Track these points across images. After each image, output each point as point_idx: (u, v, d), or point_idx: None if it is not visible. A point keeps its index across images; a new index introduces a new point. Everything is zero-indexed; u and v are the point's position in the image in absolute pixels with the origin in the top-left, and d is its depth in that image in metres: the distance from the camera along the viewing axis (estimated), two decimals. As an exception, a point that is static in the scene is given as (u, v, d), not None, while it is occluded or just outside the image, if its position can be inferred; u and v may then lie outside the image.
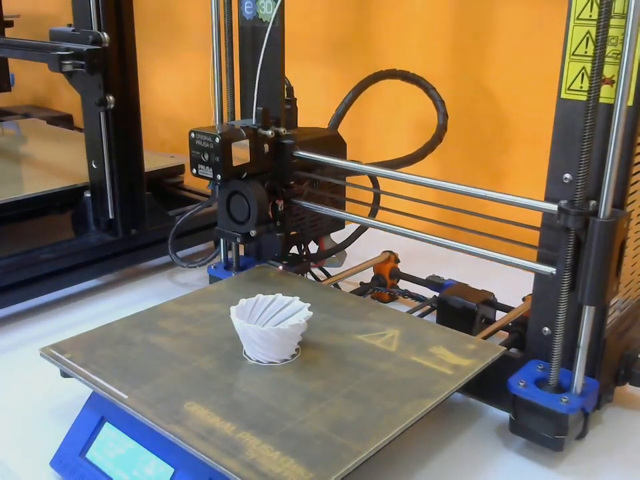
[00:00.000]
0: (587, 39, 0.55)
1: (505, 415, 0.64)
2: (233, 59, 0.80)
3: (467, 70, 1.12)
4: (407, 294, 0.86)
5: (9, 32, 1.52)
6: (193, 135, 0.73)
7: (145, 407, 0.54)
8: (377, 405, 0.55)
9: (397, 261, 0.92)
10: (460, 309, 0.75)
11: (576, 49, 0.56)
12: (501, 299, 0.79)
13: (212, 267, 0.86)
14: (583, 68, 0.56)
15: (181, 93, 1.65)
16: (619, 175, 0.53)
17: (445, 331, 0.67)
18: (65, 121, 1.80)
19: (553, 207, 0.57)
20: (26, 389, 0.71)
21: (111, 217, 0.96)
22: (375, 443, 0.50)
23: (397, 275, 0.91)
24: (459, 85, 1.12)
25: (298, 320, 0.61)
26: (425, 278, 0.87)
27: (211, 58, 0.79)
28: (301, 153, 0.76)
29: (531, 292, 0.64)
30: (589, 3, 0.54)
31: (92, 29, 0.87)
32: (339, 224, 0.88)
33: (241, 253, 0.87)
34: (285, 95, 0.80)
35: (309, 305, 0.63)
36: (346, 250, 0.89)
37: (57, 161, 1.20)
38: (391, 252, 0.92)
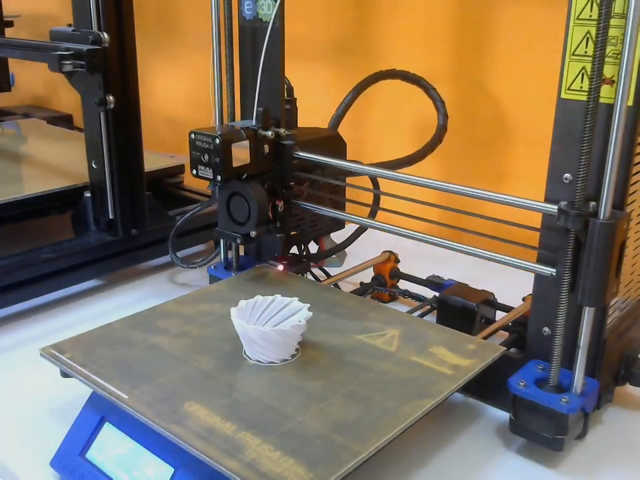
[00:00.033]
0: (587, 39, 0.55)
1: (504, 415, 0.64)
2: (232, 59, 0.80)
3: (467, 70, 1.12)
4: (407, 294, 0.86)
5: (9, 32, 1.52)
6: (193, 135, 0.73)
7: (145, 407, 0.54)
8: (377, 405, 0.55)
9: (397, 260, 0.92)
10: (460, 309, 0.75)
11: (576, 49, 0.56)
12: (500, 299, 0.79)
13: (212, 266, 0.86)
14: (583, 68, 0.56)
15: (181, 92, 1.65)
16: (618, 175, 0.53)
17: (445, 331, 0.67)
18: (64, 121, 1.80)
19: (553, 208, 0.57)
20: (26, 389, 0.71)
21: (111, 216, 0.96)
22: (375, 443, 0.50)
23: (397, 275, 0.91)
24: (459, 86, 1.12)
25: (298, 320, 0.62)
26: (425, 278, 0.87)
27: (211, 58, 0.79)
28: (300, 153, 0.76)
29: (531, 292, 0.64)
30: (589, 3, 0.54)
31: (92, 28, 0.87)
32: (339, 224, 0.88)
33: (241, 252, 0.87)
34: (285, 95, 0.80)
35: (308, 305, 0.63)
36: (346, 250, 0.89)
37: (57, 161, 1.20)
38: (391, 252, 0.92)
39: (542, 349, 0.62)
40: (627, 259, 0.58)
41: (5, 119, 1.71)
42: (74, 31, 0.89)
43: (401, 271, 0.91)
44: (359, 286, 0.89)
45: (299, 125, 0.84)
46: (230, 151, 0.71)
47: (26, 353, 0.74)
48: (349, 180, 0.84)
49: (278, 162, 0.76)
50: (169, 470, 0.53)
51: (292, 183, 0.78)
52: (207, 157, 0.72)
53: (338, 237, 0.89)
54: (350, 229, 0.88)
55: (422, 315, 0.80)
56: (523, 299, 0.78)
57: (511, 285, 0.73)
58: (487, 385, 0.65)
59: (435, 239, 0.67)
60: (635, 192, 0.59)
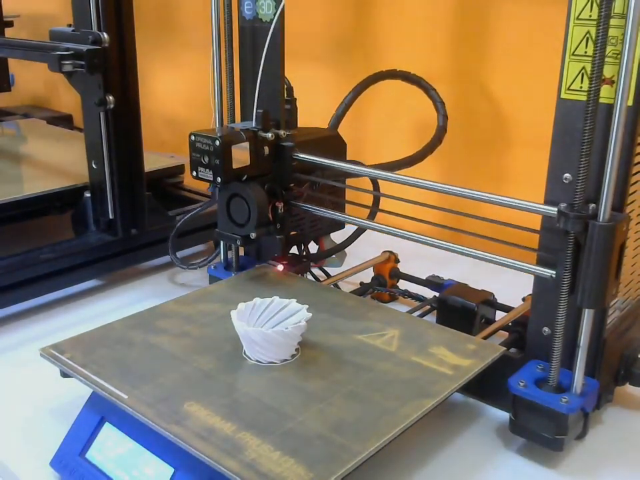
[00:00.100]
0: (587, 39, 0.55)
1: (504, 415, 0.64)
2: (232, 60, 0.80)
3: (467, 71, 1.12)
4: (407, 294, 0.86)
5: (9, 32, 1.51)
6: (193, 137, 0.73)
7: (145, 407, 0.54)
8: (377, 405, 0.55)
9: (397, 261, 0.92)
10: (460, 309, 0.75)
11: (576, 48, 0.56)
12: (500, 299, 0.79)
13: (212, 267, 0.86)
14: (583, 68, 0.56)
15: (180, 92, 1.65)
16: (618, 176, 0.53)
17: (445, 330, 0.67)
18: (64, 121, 1.80)
19: (553, 210, 0.57)
20: (26, 389, 0.71)
21: (110, 217, 0.96)
22: (374, 443, 0.50)
23: (397, 275, 0.91)
24: (459, 86, 1.12)
25: (298, 320, 0.62)
26: (424, 278, 0.87)
27: (211, 59, 0.79)
28: (300, 155, 0.76)
29: (530, 292, 0.64)
30: (589, 3, 0.54)
31: (92, 29, 0.87)
32: (339, 224, 0.88)
33: (241, 253, 0.87)
34: (285, 95, 0.80)
35: (306, 306, 0.63)
36: (346, 250, 0.89)
37: (57, 161, 1.20)
38: (390, 252, 0.92)
39: (542, 349, 0.62)
40: (626, 259, 0.58)
41: (5, 119, 1.71)
42: (74, 31, 0.89)
43: (400, 271, 0.91)
44: (359, 286, 0.89)
45: (299, 125, 0.84)
46: (230, 153, 0.71)
47: (26, 353, 0.74)
48: (348, 181, 0.84)
49: (278, 163, 0.76)
50: (169, 470, 0.53)
51: (292, 185, 0.78)
52: (206, 159, 0.72)
53: (338, 237, 0.89)
54: (350, 229, 0.88)
55: (422, 315, 0.80)
56: (523, 299, 0.78)
57: (511, 285, 0.73)
58: (487, 385, 0.65)
59: (435, 240, 0.67)
60: (634, 192, 0.59)
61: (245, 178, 0.74)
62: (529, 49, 1.03)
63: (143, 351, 0.62)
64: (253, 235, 0.75)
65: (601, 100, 0.54)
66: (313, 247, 0.87)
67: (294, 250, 0.85)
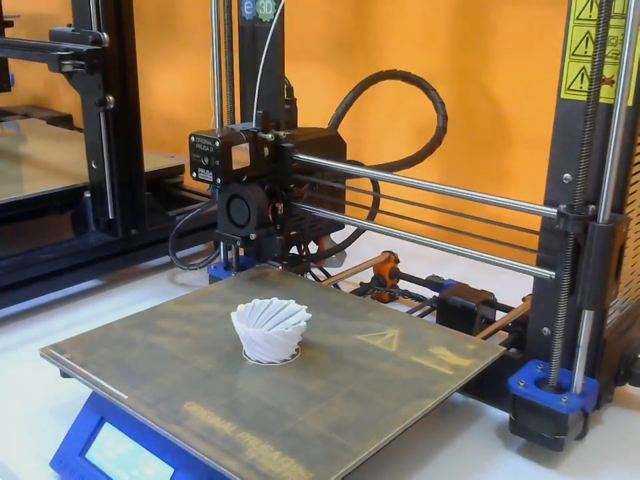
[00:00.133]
0: (587, 39, 0.55)
1: (504, 415, 0.64)
2: (232, 61, 0.80)
3: (468, 71, 1.12)
4: (406, 294, 0.86)
5: (8, 32, 1.51)
6: (193, 138, 0.73)
7: (145, 407, 0.54)
8: (377, 405, 0.55)
9: (397, 261, 0.92)
10: (460, 309, 0.75)
11: (576, 49, 0.56)
12: (500, 299, 0.79)
13: (212, 267, 0.86)
14: (583, 68, 0.56)
15: (180, 92, 1.65)
16: (618, 177, 0.53)
17: (445, 330, 0.67)
18: (64, 121, 1.80)
19: (552, 212, 0.57)
20: (26, 389, 0.71)
21: (110, 217, 0.96)
22: (374, 443, 0.50)
23: (397, 275, 0.91)
24: (459, 87, 1.12)
25: (297, 320, 0.62)
26: (424, 278, 0.87)
27: (211, 59, 0.79)
28: (300, 156, 0.76)
29: (530, 292, 0.64)
30: (589, 3, 0.54)
31: (92, 29, 0.87)
32: (339, 224, 0.88)
33: (241, 253, 0.87)
34: (285, 95, 0.80)
35: (306, 307, 0.63)
36: (346, 250, 0.89)
37: (57, 161, 1.20)
38: (390, 252, 0.92)
39: (542, 349, 0.62)
40: (626, 259, 0.58)
41: (5, 119, 1.71)
42: (74, 31, 0.89)
43: (400, 271, 0.91)
44: (358, 286, 0.89)
45: (298, 125, 0.84)
46: (230, 154, 0.71)
47: (26, 353, 0.74)
48: (348, 182, 0.84)
49: (278, 164, 0.76)
50: (169, 470, 0.53)
51: (292, 186, 0.78)
52: (206, 160, 0.72)
53: (338, 237, 0.89)
54: (350, 229, 0.88)
55: (422, 315, 0.80)
56: (523, 299, 0.78)
57: (511, 284, 0.73)
58: (487, 385, 0.65)
59: (434, 241, 0.67)
60: (635, 192, 0.59)
61: (244, 179, 0.74)
62: (529, 49, 1.03)
63: (143, 351, 0.62)
64: (252, 236, 0.75)
65: (601, 100, 0.54)
66: (313, 247, 0.87)
67: (294, 250, 0.85)
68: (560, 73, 0.57)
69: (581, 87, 0.56)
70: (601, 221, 0.54)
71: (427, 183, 0.67)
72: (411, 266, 0.91)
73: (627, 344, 0.67)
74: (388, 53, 1.20)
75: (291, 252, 0.84)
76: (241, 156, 0.73)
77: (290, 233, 0.81)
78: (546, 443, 0.59)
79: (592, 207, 0.55)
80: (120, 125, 0.92)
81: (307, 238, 0.85)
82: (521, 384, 0.60)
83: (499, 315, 0.77)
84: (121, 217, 0.95)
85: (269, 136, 0.74)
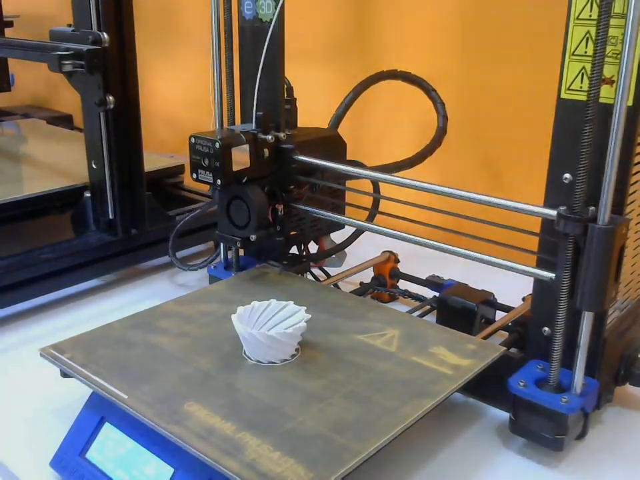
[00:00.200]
0: (587, 39, 0.55)
1: (504, 415, 0.64)
2: (232, 61, 0.80)
3: (468, 72, 1.12)
4: (407, 294, 0.86)
5: (8, 32, 1.52)
6: (193, 140, 0.73)
7: (145, 407, 0.54)
8: (377, 405, 0.55)
9: (397, 261, 0.92)
10: (460, 309, 0.75)
11: (576, 48, 0.56)
12: (500, 299, 0.79)
13: (212, 266, 0.86)
14: (583, 68, 0.56)
15: (180, 93, 1.65)
16: (618, 177, 0.53)
17: (445, 331, 0.67)
18: (64, 121, 1.80)
19: (552, 213, 0.57)
20: (26, 389, 0.71)
21: (110, 217, 0.96)
22: (374, 443, 0.50)
23: (397, 275, 0.91)
24: (459, 87, 1.11)
25: (297, 321, 0.62)
26: (424, 278, 0.87)
27: (211, 60, 0.79)
28: (300, 157, 0.76)
29: (530, 292, 0.64)
30: (589, 3, 0.54)
31: (92, 29, 0.87)
32: (339, 224, 0.88)
33: (241, 252, 0.87)
34: (285, 95, 0.80)
35: (305, 307, 0.63)
36: (346, 250, 0.89)
37: (57, 161, 1.20)
38: (390, 252, 0.92)
39: (542, 349, 0.62)
40: (626, 259, 0.58)
41: (5, 119, 1.71)
42: (74, 31, 0.89)
43: (400, 271, 0.91)
44: (358, 286, 0.89)
45: (298, 125, 0.84)
46: (230, 155, 0.71)
47: (26, 353, 0.74)
48: (348, 183, 0.83)
49: (278, 166, 0.76)
50: (169, 470, 0.53)
51: (292, 187, 0.78)
52: (206, 161, 0.72)
53: (338, 237, 0.89)
54: (350, 228, 0.88)
55: (422, 315, 0.80)
56: (523, 299, 0.78)
57: (511, 284, 0.73)
58: (487, 385, 0.65)
59: (434, 242, 0.67)
60: (635, 192, 0.59)
61: (244, 180, 0.74)
62: (529, 49, 1.03)
63: (143, 351, 0.62)
64: (252, 237, 0.75)
65: (601, 100, 0.54)
66: (313, 247, 0.87)
67: (294, 250, 0.85)
68: (560, 73, 0.57)
69: (581, 87, 0.56)
70: (600, 222, 0.54)
71: (427, 184, 0.67)
72: (411, 266, 0.91)
73: (627, 344, 0.67)
74: (388, 53, 1.20)
75: (291, 252, 0.84)
76: (240, 157, 0.73)
77: (290, 233, 0.81)
78: (546, 443, 0.59)
79: (592, 208, 0.55)
80: (120, 124, 0.92)
81: (306, 238, 0.85)
82: (521, 384, 0.60)
83: (499, 315, 0.77)
84: (121, 217, 0.95)
85: (269, 137, 0.74)
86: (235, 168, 0.72)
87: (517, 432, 0.61)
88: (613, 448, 0.63)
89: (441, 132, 0.87)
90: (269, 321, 0.64)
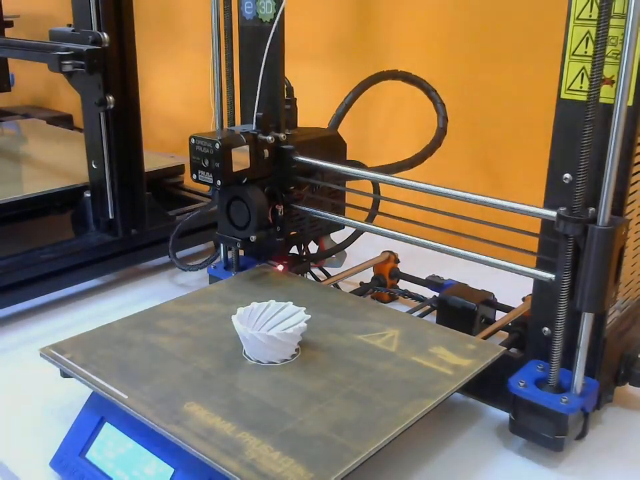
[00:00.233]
0: (587, 39, 0.55)
1: (504, 415, 0.64)
2: (232, 62, 0.80)
3: (469, 72, 1.12)
4: (407, 294, 0.86)
5: (8, 32, 1.51)
6: (193, 140, 0.73)
7: (145, 407, 0.54)
8: (377, 405, 0.55)
9: (397, 261, 0.92)
10: (460, 309, 0.75)
11: (576, 49, 0.56)
12: (500, 299, 0.79)
13: (212, 266, 0.86)
14: (583, 68, 0.56)
15: (180, 92, 1.65)
16: (618, 178, 0.53)
17: (445, 331, 0.67)
18: (64, 121, 1.80)
19: (552, 214, 0.57)
20: (26, 389, 0.71)
21: (110, 217, 0.96)
22: (375, 443, 0.50)
23: (397, 275, 0.91)
24: (460, 88, 1.11)
25: (297, 321, 0.62)
26: (424, 278, 0.87)
27: (211, 60, 0.78)
28: (300, 158, 0.76)
29: (530, 292, 0.64)
30: (589, 3, 0.54)
31: (92, 29, 0.87)
32: (339, 224, 0.88)
33: (241, 252, 0.87)
34: (285, 95, 0.80)
35: (304, 308, 0.63)
36: (346, 250, 0.89)
37: (56, 161, 1.20)
38: (390, 252, 0.92)
39: (542, 349, 0.62)
40: (626, 259, 0.58)
41: (5, 119, 1.71)
42: (74, 31, 0.89)
43: (400, 271, 0.91)
44: (358, 286, 0.89)
45: (299, 125, 0.84)
46: (230, 156, 0.71)
47: (26, 353, 0.74)
48: (349, 183, 0.83)
49: (278, 166, 0.76)
50: (169, 470, 0.53)
51: (292, 187, 0.78)
52: (207, 162, 0.72)
53: (338, 237, 0.89)
54: (350, 228, 0.88)
55: (422, 315, 0.80)
56: (523, 299, 0.78)
57: (511, 284, 0.73)
58: (487, 385, 0.65)
59: (434, 243, 0.67)
60: (635, 192, 0.59)
61: (244, 181, 0.74)
62: (529, 49, 1.03)
63: (143, 351, 0.62)
64: (252, 238, 0.75)
65: (601, 100, 0.54)
66: (313, 247, 0.87)
67: (294, 250, 0.85)
68: (560, 73, 0.57)
69: (581, 87, 0.56)
70: (600, 223, 0.54)
71: (427, 185, 0.67)
72: (411, 266, 0.91)
73: (627, 344, 0.67)
74: (389, 53, 1.20)
75: (291, 252, 0.84)
76: (240, 158, 0.73)
77: (290, 233, 0.81)
78: (546, 443, 0.59)
79: (592, 209, 0.55)
80: (120, 125, 0.92)
81: (306, 238, 0.85)
82: (521, 384, 0.60)
83: (499, 315, 0.77)
84: (121, 217, 0.95)
85: (269, 138, 0.74)
86: (235, 169, 0.72)
87: (517, 432, 0.61)
88: (612, 448, 0.63)
89: (441, 132, 0.87)
90: (269, 322, 0.64)
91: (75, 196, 1.00)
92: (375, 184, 0.85)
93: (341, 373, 0.59)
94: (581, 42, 0.55)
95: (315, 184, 0.79)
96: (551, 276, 0.59)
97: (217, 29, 0.77)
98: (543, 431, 0.59)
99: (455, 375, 0.59)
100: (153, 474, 0.53)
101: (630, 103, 0.53)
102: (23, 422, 0.66)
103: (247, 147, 0.73)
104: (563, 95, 0.57)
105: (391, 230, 0.71)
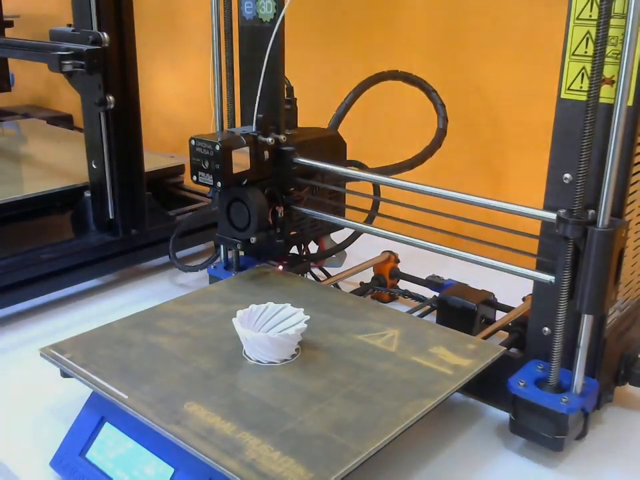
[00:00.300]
0: (587, 39, 0.55)
1: (505, 415, 0.64)
2: (233, 62, 0.80)
3: (469, 72, 1.12)
4: (407, 294, 0.86)
5: (8, 32, 1.52)
6: (193, 142, 0.73)
7: (145, 407, 0.54)
8: (377, 405, 0.55)
9: (397, 261, 0.92)
10: (460, 309, 0.75)
11: (576, 49, 0.56)
12: (501, 299, 0.79)
13: (212, 266, 0.86)
14: (583, 68, 0.56)
15: (180, 92, 1.65)
16: (618, 178, 0.53)
17: (445, 330, 0.67)
18: (64, 121, 1.80)
19: (552, 216, 0.57)
20: (26, 389, 0.71)
21: (110, 217, 0.96)
22: (375, 443, 0.50)
23: (397, 275, 0.91)
24: (460, 88, 1.11)
25: (296, 321, 0.62)
26: (424, 278, 0.87)
27: (211, 61, 0.78)
28: (300, 159, 0.76)
29: (530, 292, 0.64)
30: (589, 3, 0.54)
31: (92, 29, 0.87)
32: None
33: (241, 252, 0.87)
34: (285, 95, 0.80)
35: (302, 309, 0.63)
36: (346, 250, 0.89)
37: (56, 161, 1.20)
38: (390, 252, 0.92)
39: (542, 349, 0.62)
40: (626, 259, 0.58)
41: (5, 119, 1.71)
42: (74, 31, 0.89)
43: (400, 271, 0.91)
44: (358, 286, 0.89)
45: (299, 125, 0.84)
46: (230, 158, 0.71)
47: (26, 353, 0.74)
48: (349, 184, 0.84)
49: (278, 168, 0.76)
50: (169, 470, 0.53)
51: (292, 189, 0.78)
52: (207, 164, 0.72)
53: (338, 237, 0.89)
54: (350, 229, 0.88)
55: (422, 315, 0.80)
56: (523, 299, 0.78)
57: (511, 285, 0.73)
58: (487, 385, 0.65)
59: (434, 245, 0.67)
60: (635, 192, 0.59)
61: (245, 182, 0.74)
62: (529, 50, 1.03)
63: (143, 351, 0.62)
64: (253, 240, 0.75)
65: (601, 100, 0.54)
66: (313, 247, 0.87)
67: (294, 250, 0.85)
68: (560, 73, 0.57)
69: (581, 87, 0.56)
70: (600, 225, 0.54)
71: (426, 187, 0.67)
72: (411, 266, 0.91)
73: (627, 344, 0.67)
74: (389, 54, 1.20)
75: (291, 252, 0.84)
76: (241, 159, 0.73)
77: (290, 234, 0.81)
78: (546, 443, 0.59)
79: (591, 211, 0.55)
80: (120, 124, 0.92)
81: (307, 238, 0.85)
82: (521, 384, 0.60)
83: (499, 315, 0.77)
84: (121, 217, 0.95)
85: (269, 139, 0.74)
86: (235, 170, 0.72)
87: (517, 432, 0.61)
88: (612, 448, 0.63)
89: (441, 133, 0.87)
90: (268, 322, 0.64)
91: (75, 196, 1.00)
92: (375, 185, 0.85)
93: (341, 373, 0.59)
94: (581, 42, 0.55)
95: (315, 185, 0.79)
96: (551, 278, 0.59)
97: (217, 29, 0.77)
98: (543, 430, 0.59)
99: (455, 374, 0.59)
100: (153, 474, 0.53)
101: (630, 103, 0.53)
102: (23, 422, 0.66)
103: (247, 149, 0.73)
104: (563, 95, 0.57)
105: (391, 231, 0.71)
